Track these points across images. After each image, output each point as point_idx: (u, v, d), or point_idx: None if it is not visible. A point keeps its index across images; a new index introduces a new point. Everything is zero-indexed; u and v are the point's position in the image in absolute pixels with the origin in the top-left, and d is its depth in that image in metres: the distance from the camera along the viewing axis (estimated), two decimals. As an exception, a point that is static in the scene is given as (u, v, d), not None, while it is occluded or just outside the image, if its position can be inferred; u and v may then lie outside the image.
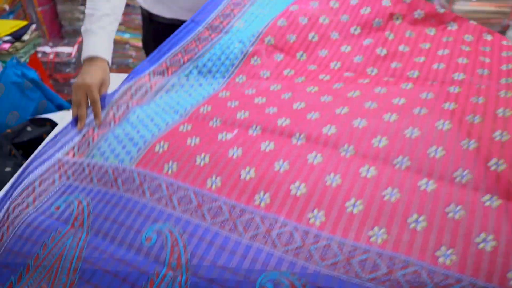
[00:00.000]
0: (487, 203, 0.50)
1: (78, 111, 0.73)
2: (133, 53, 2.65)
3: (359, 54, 0.87)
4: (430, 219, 0.49)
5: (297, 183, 0.55)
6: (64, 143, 0.69)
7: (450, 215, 0.49)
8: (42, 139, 0.98)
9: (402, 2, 0.95)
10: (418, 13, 0.94)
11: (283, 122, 0.66)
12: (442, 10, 0.93)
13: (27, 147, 1.21)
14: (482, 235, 0.47)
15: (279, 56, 0.87)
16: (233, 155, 0.61)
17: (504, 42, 0.85)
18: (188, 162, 0.61)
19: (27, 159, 0.84)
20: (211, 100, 0.76)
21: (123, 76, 1.22)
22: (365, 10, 0.94)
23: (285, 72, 0.83)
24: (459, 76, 0.76)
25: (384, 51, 0.87)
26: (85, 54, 0.78)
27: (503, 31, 2.09)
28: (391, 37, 0.91)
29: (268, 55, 0.88)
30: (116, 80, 1.13)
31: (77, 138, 0.71)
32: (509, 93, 0.67)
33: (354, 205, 0.51)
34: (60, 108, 1.45)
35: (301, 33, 0.92)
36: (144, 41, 1.23)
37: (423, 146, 0.58)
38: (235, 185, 0.56)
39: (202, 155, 0.61)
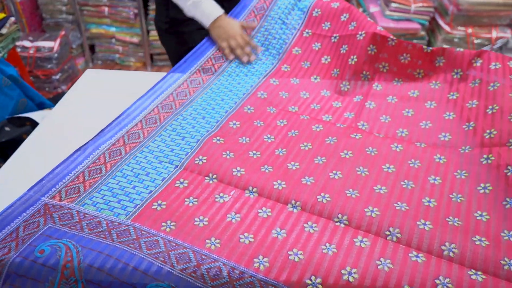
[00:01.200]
0: (473, 277, 0.57)
1: (246, 50, 1.05)
2: (120, 48, 2.62)
3: (349, 111, 0.94)
4: None
5: (294, 250, 0.60)
6: (50, 187, 0.71)
7: (439, 287, 0.56)
8: (22, 139, 0.98)
9: (387, 45, 0.99)
10: (404, 58, 0.99)
11: (279, 185, 0.72)
12: (429, 49, 0.96)
13: (5, 148, 1.20)
14: None
15: (272, 109, 0.93)
16: (231, 219, 0.65)
17: (492, 65, 0.89)
18: (187, 222, 0.65)
19: (5, 161, 0.83)
20: (205, 147, 0.80)
21: (109, 72, 1.23)
22: (352, 60, 1.00)
23: (278, 123, 0.89)
24: (445, 136, 0.83)
25: (373, 104, 0.94)
26: (211, 17, 1.08)
27: (511, 24, 2.10)
28: (379, 88, 0.98)
29: (261, 107, 0.94)
30: (101, 77, 1.16)
31: (63, 182, 0.72)
32: (491, 158, 0.74)
33: (349, 273, 0.57)
34: (41, 106, 1.44)
35: (292, 90, 0.99)
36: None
37: (412, 220, 0.65)
38: (235, 248, 0.61)
39: (201, 217, 0.66)
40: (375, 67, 1.00)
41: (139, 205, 0.68)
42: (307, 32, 1.10)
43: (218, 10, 1.08)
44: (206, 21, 1.08)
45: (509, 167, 0.71)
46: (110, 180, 0.73)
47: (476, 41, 2.09)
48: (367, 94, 0.96)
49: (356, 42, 1.00)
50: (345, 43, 1.03)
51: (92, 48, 2.69)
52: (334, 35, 1.07)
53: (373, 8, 2.26)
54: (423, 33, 2.18)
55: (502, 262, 0.58)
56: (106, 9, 2.48)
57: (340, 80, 1.00)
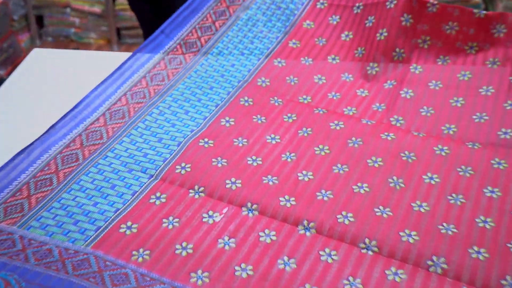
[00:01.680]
0: None
1: None
2: (76, 20, 2.63)
3: (379, 102, 0.94)
4: None
5: (308, 286, 0.61)
6: None
7: None
8: None
9: (426, 13, 0.99)
10: (450, 27, 0.99)
11: (287, 201, 0.72)
12: (482, 14, 0.96)
13: None
14: None
15: (276, 100, 0.94)
16: (224, 246, 0.66)
17: None
18: (166, 250, 0.65)
19: None
20: (189, 152, 0.81)
21: (62, 53, 1.22)
22: (381, 35, 1.01)
23: (285, 118, 0.89)
24: (506, 133, 0.83)
25: (410, 93, 0.94)
26: None
27: None
28: (418, 70, 0.98)
29: (263, 97, 0.94)
30: (52, 58, 1.16)
31: (1, 197, 0.72)
32: None
33: None
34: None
35: (303, 75, 0.99)
36: None
37: (462, 247, 0.65)
38: (228, 283, 0.61)
39: (184, 244, 0.66)
40: (411, 43, 1.00)
41: (102, 228, 0.68)
42: (322, 3, 1.11)
43: None
44: None
45: None
46: (63, 194, 0.73)
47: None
48: (403, 79, 0.96)
49: (386, 11, 1.00)
50: (371, 13, 1.04)
51: (39, 20, 2.69)
52: (357, 4, 1.07)
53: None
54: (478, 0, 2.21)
55: None
56: (58, -33, 2.52)
57: (366, 61, 1.00)
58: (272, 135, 0.85)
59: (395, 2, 1.00)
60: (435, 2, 0.98)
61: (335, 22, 1.08)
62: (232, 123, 0.87)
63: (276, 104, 0.92)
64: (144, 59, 0.97)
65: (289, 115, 0.90)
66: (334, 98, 0.94)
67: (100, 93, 0.89)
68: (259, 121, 0.88)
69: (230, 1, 1.10)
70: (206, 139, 0.83)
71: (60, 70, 1.09)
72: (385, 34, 0.99)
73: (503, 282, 0.61)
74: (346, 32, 1.06)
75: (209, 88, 0.95)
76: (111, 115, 0.86)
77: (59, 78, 1.05)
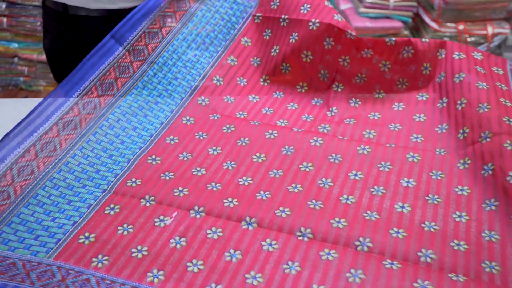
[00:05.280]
0: (454, 278, 0.70)
1: None
2: (25, 69, 2.82)
3: (308, 113, 1.08)
4: None
5: (252, 273, 0.71)
6: None
7: None
8: None
9: (345, 38, 1.11)
10: (366, 53, 1.12)
11: (230, 203, 0.83)
12: (392, 41, 1.09)
13: None
14: None
15: (216, 116, 1.05)
16: (175, 245, 0.75)
17: (456, 55, 1.04)
18: (122, 255, 0.74)
19: None
20: (139, 169, 0.90)
21: (12, 102, 1.35)
22: (306, 57, 1.13)
23: (224, 129, 1.00)
24: (417, 138, 0.98)
25: (335, 110, 1.10)
26: None
27: (508, 17, 2.41)
28: (340, 88, 1.14)
29: (204, 116, 1.05)
30: (4, 109, 1.20)
31: None
32: (467, 163, 0.89)
33: None
34: None
35: (240, 95, 1.11)
36: (53, 51, 1.35)
37: (384, 228, 0.78)
38: (182, 278, 0.70)
39: (139, 247, 0.75)
40: (333, 63, 1.12)
41: (62, 240, 0.75)
42: (258, 18, 1.19)
43: None
44: None
45: (484, 167, 0.85)
46: (22, 209, 0.79)
47: (469, 39, 2.41)
48: (328, 98, 1.10)
49: (309, 32, 1.10)
50: (296, 30, 1.12)
51: (-13, 71, 2.77)
52: (283, 16, 1.15)
53: (344, 5, 2.54)
54: (406, 32, 2.46)
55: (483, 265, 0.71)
56: (4, 19, 2.68)
57: (295, 81, 1.13)
58: (214, 147, 0.96)
59: (317, 25, 1.10)
60: (353, 32, 1.08)
61: (268, 37, 1.17)
62: (177, 141, 0.97)
63: (216, 119, 1.03)
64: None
65: (228, 126, 1.01)
66: (268, 113, 1.07)
67: (52, 102, 0.93)
68: (201, 138, 0.98)
69: (150, 38, 1.09)
70: (153, 156, 0.93)
71: (10, 120, 1.01)
72: (310, 57, 1.12)
73: (419, 253, 0.74)
74: (275, 47, 1.15)
75: (153, 115, 1.03)
76: (63, 126, 0.92)
77: (10, 128, 0.97)
